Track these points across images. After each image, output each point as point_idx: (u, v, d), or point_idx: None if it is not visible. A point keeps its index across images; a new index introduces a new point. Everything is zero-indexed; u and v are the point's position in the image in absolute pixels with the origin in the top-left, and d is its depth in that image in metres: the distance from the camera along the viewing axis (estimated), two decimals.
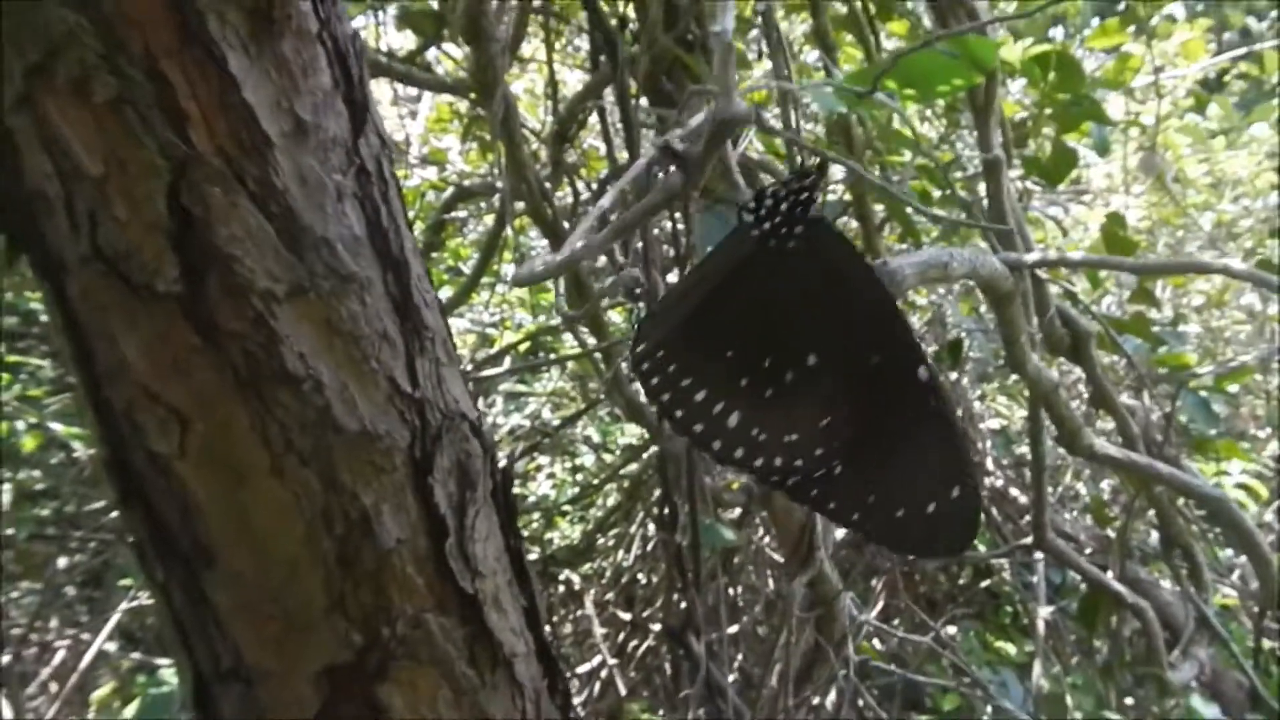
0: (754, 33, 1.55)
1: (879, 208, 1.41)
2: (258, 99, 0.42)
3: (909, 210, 1.12)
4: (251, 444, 0.43)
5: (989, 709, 1.53)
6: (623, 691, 1.77)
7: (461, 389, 0.51)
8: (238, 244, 0.42)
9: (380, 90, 2.02)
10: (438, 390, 0.49)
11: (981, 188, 1.36)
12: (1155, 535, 1.63)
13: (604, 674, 1.84)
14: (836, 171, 1.46)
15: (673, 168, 0.47)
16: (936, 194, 1.33)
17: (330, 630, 0.45)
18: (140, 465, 0.45)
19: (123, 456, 0.45)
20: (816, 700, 1.23)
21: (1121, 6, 1.59)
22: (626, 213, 0.47)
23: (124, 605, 1.54)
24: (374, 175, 0.47)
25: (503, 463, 0.55)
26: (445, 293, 2.02)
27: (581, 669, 1.92)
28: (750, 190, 0.54)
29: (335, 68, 0.45)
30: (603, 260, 1.77)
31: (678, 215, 1.39)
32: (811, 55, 1.90)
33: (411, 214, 1.89)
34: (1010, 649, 2.02)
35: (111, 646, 1.68)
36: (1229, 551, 1.74)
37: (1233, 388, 1.77)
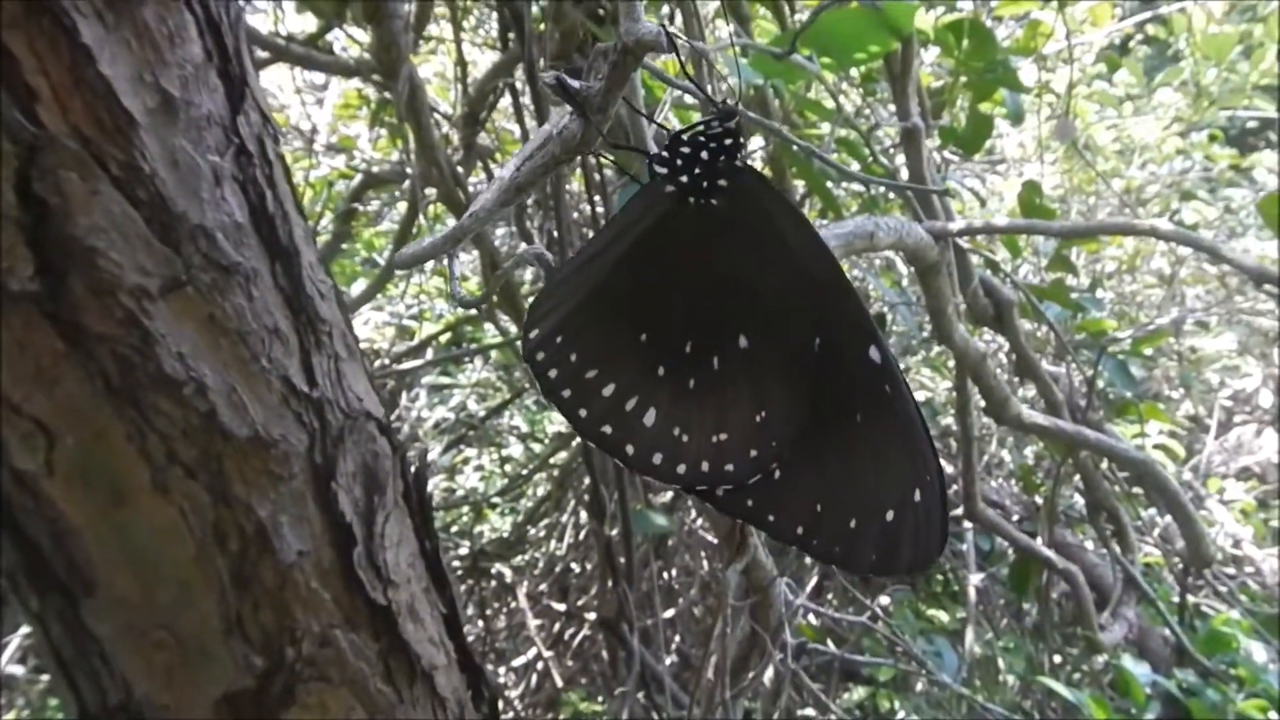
0: (665, 9, 1.52)
1: (799, 184, 1.39)
2: (116, 72, 0.37)
3: (829, 183, 1.10)
4: (129, 457, 0.39)
5: (924, 674, 1.54)
6: (559, 683, 1.74)
7: (365, 385, 0.48)
8: (101, 235, 0.37)
9: (283, 76, 1.94)
10: (338, 388, 0.45)
11: (899, 159, 1.35)
12: (1080, 499, 1.66)
13: (540, 666, 1.81)
14: (753, 144, 1.44)
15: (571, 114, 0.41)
16: (856, 167, 1.32)
17: (228, 655, 0.41)
18: (5, 485, 0.40)
19: None
20: (752, 678, 1.22)
21: None
22: (518, 172, 0.42)
23: (26, 627, 1.46)
24: (256, 156, 0.43)
25: (415, 461, 0.51)
26: (360, 285, 1.96)
27: (517, 662, 1.89)
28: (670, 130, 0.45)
29: (207, 37, 0.41)
30: (522, 245, 1.73)
31: (597, 199, 1.36)
32: (725, 31, 1.88)
33: (320, 204, 1.83)
34: (943, 616, 2.05)
35: (19, 670, 1.60)
36: (1151, 511, 1.77)
37: (1147, 351, 1.81)
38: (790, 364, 0.44)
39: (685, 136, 0.43)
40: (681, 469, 0.44)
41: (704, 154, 0.43)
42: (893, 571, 0.45)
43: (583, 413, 0.44)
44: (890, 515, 0.44)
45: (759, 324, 0.44)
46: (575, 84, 0.40)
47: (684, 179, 0.44)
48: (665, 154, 0.44)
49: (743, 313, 0.45)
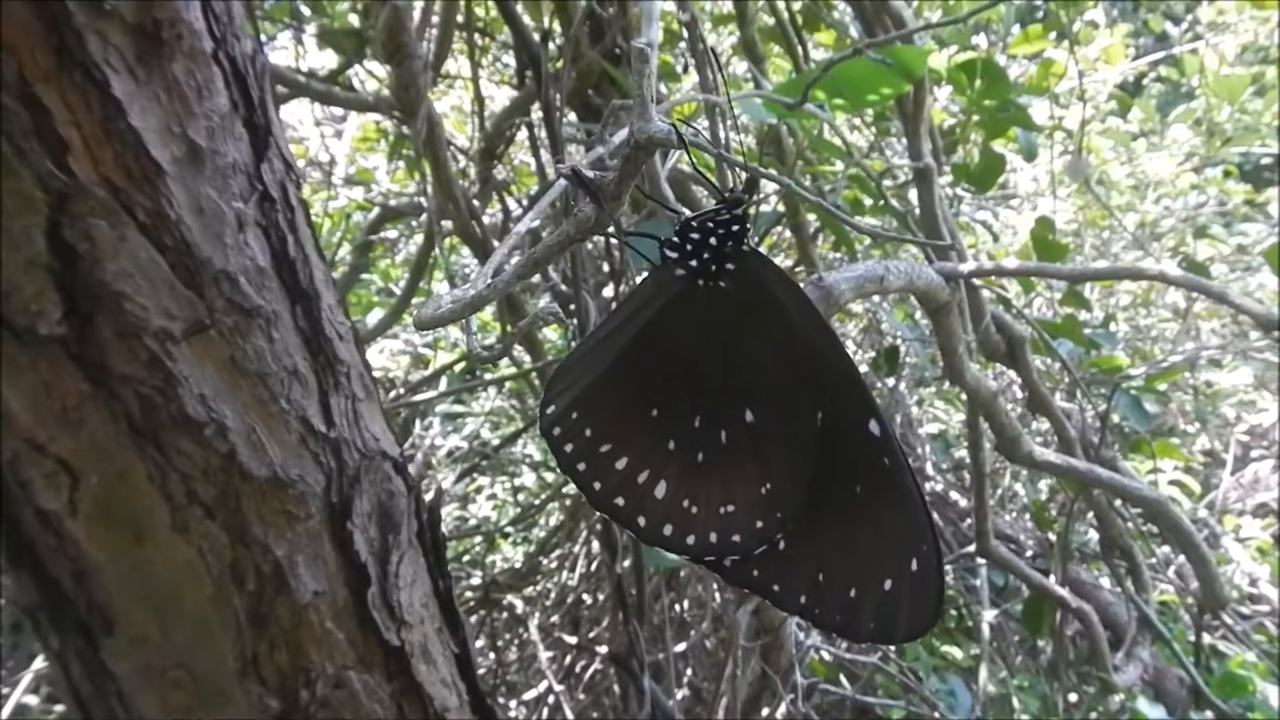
0: (682, 45, 1.54)
1: (813, 218, 1.40)
2: (146, 124, 0.38)
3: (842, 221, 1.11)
4: (150, 497, 0.40)
5: (937, 716, 1.52)
6: (570, 717, 1.73)
7: (381, 425, 0.48)
8: (128, 280, 0.38)
9: (303, 110, 1.97)
10: (355, 428, 0.46)
11: (913, 195, 1.36)
12: (1094, 536, 1.65)
13: (551, 700, 1.80)
14: (769, 183, 1.45)
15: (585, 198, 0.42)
16: (869, 203, 1.32)
17: (244, 696, 0.42)
18: (28, 523, 0.41)
19: (9, 513, 0.41)
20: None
21: (1041, 14, 1.62)
22: (535, 248, 0.43)
23: (39, 659, 1.47)
24: (279, 202, 0.44)
25: (429, 497, 0.52)
26: (376, 315, 1.97)
27: (528, 695, 1.88)
28: (683, 214, 0.46)
29: (233, 89, 0.42)
30: (537, 277, 1.75)
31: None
32: (740, 67, 1.90)
33: (338, 235, 1.85)
34: (956, 653, 2.03)
35: (33, 700, 1.60)
36: (1166, 549, 1.76)
37: (1162, 385, 1.80)
38: (794, 438, 0.46)
39: (695, 223, 0.45)
40: (691, 540, 0.45)
41: (713, 240, 0.45)
42: (890, 640, 0.47)
43: (597, 486, 0.45)
44: (889, 584, 0.45)
45: (764, 399, 0.46)
46: (590, 174, 0.42)
47: (694, 263, 0.45)
48: (676, 239, 0.45)
49: (749, 389, 0.46)
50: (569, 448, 0.45)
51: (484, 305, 0.44)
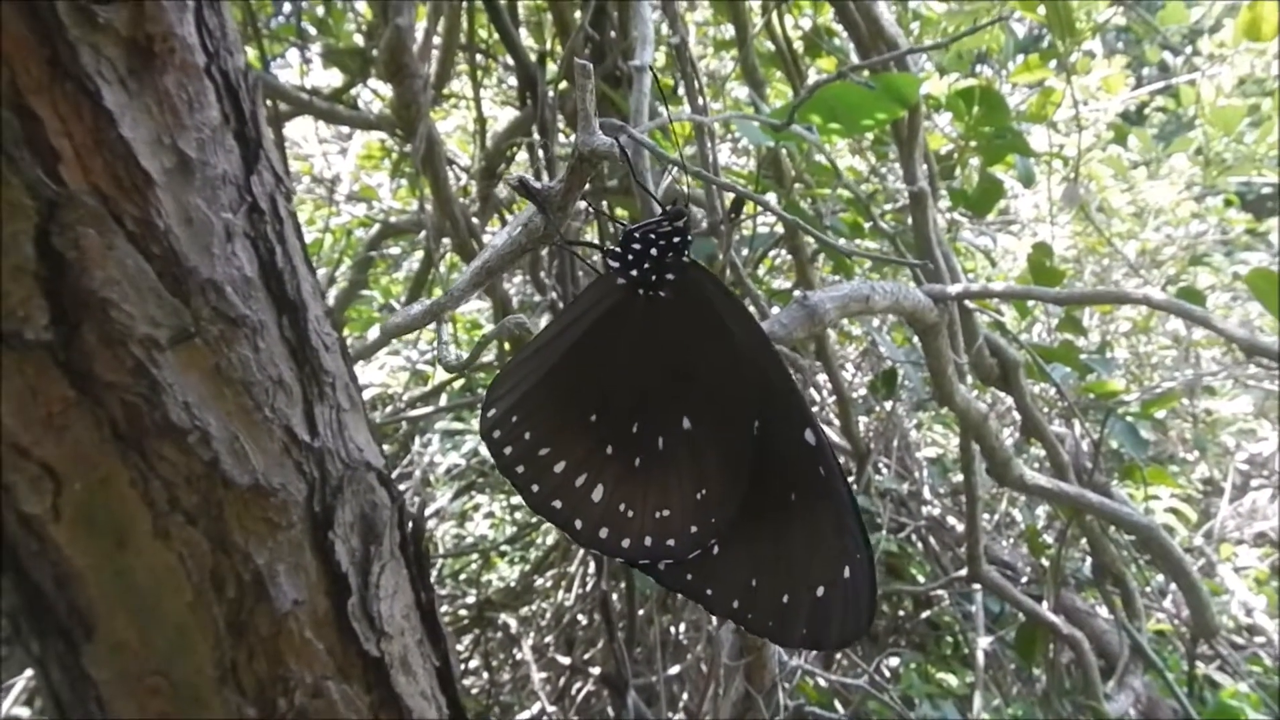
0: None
1: (810, 240, 1.41)
2: (136, 135, 0.39)
3: (841, 241, 1.12)
4: (132, 503, 0.40)
5: None
6: None
7: (366, 436, 0.49)
8: (115, 288, 0.39)
9: (308, 127, 1.99)
10: (339, 439, 0.46)
11: (910, 219, 1.36)
12: (1090, 562, 1.64)
13: None
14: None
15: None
16: (869, 227, 1.33)
17: (221, 704, 0.42)
18: (12, 528, 0.41)
19: None
20: None
21: (1046, 44, 1.63)
22: (489, 256, 0.44)
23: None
24: (268, 213, 0.44)
25: (413, 509, 0.52)
26: (376, 331, 1.98)
27: (521, 717, 1.87)
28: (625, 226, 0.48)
29: (225, 102, 0.43)
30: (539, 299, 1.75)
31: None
32: (742, 92, 1.91)
33: (339, 251, 1.86)
34: (952, 680, 2.02)
35: (24, 712, 1.59)
36: (1161, 577, 1.75)
37: (1160, 413, 1.80)
38: (730, 445, 0.47)
39: (637, 234, 0.46)
40: (626, 543, 0.46)
41: (653, 250, 0.46)
42: (820, 646, 0.47)
43: (535, 488, 0.46)
44: (821, 591, 0.46)
45: (701, 407, 0.47)
46: (537, 184, 0.43)
47: (634, 272, 0.46)
48: (618, 249, 0.46)
49: (686, 396, 0.47)
50: (509, 450, 0.45)
51: (443, 312, 0.45)
